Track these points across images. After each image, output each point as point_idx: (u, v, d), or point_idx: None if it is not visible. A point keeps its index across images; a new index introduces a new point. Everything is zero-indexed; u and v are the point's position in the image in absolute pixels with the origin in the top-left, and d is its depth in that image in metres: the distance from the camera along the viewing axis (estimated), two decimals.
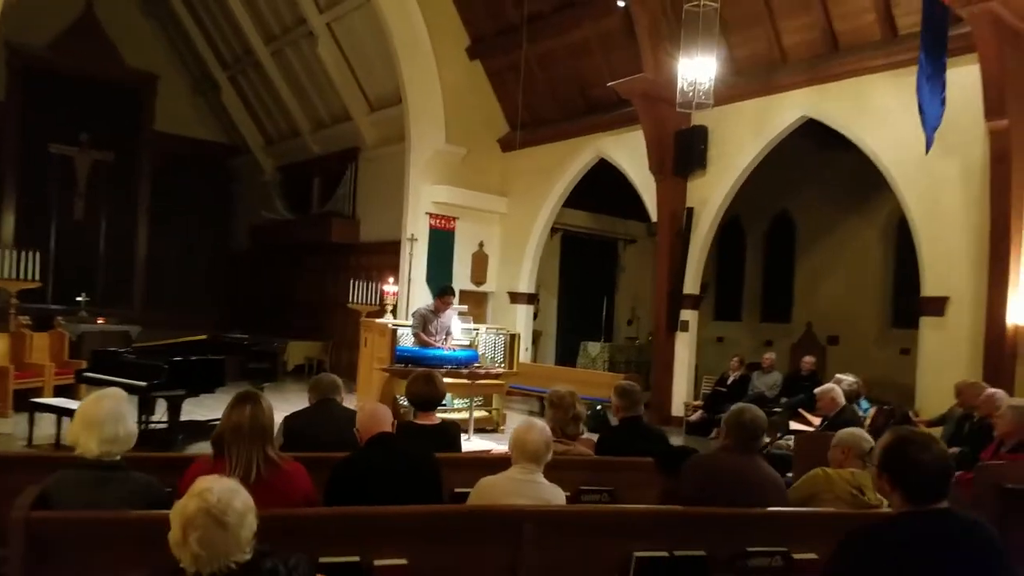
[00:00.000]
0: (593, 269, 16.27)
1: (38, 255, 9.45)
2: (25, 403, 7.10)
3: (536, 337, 15.03)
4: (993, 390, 5.69)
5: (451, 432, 3.78)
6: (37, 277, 9.28)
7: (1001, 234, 7.60)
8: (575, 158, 12.94)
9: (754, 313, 15.45)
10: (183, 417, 7.01)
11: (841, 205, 13.57)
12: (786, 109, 9.87)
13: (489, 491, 2.83)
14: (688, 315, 11.06)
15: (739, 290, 15.70)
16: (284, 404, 5.94)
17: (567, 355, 15.38)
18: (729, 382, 10.28)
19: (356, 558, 2.51)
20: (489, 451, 5.77)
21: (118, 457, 2.47)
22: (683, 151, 10.75)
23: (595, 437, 4.12)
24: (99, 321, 14.83)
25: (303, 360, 15.79)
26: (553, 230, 15.02)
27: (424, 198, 13.24)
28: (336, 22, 14.61)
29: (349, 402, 4.43)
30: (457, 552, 2.68)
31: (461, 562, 2.68)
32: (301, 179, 18.02)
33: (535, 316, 14.86)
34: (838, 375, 6.89)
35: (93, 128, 18.09)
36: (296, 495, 2.59)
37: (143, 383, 6.54)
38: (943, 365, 8.08)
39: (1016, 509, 3.96)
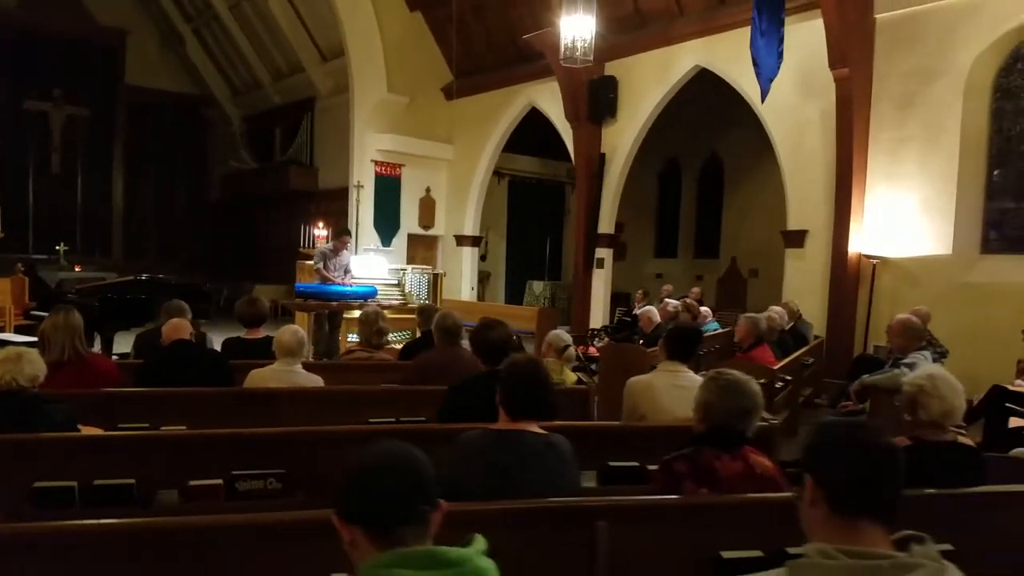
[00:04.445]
0: (540, 212, 17.13)
1: None
2: None
3: (484, 277, 16.02)
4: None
5: (269, 344, 4.75)
6: None
7: (845, 171, 8.47)
8: (509, 106, 13.71)
9: (688, 250, 16.37)
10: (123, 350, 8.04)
11: (761, 145, 14.29)
12: (682, 59, 10.60)
13: (257, 379, 3.85)
14: (604, 252, 12.00)
15: (676, 228, 16.57)
16: None
17: (516, 294, 16.38)
18: (634, 312, 11.24)
19: (147, 425, 3.53)
20: None
21: None
22: (595, 100, 11.50)
23: (398, 348, 5.13)
24: (77, 269, 15.92)
25: (270, 302, 16.82)
26: (500, 175, 15.90)
27: (369, 146, 14.05)
28: None
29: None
30: (228, 422, 3.67)
31: (238, 432, 3.68)
32: (264, 129, 18.84)
33: (483, 258, 15.83)
34: (667, 299, 7.88)
35: (66, 84, 18.77)
36: (101, 377, 3.62)
37: None
38: (802, 291, 9.02)
39: None
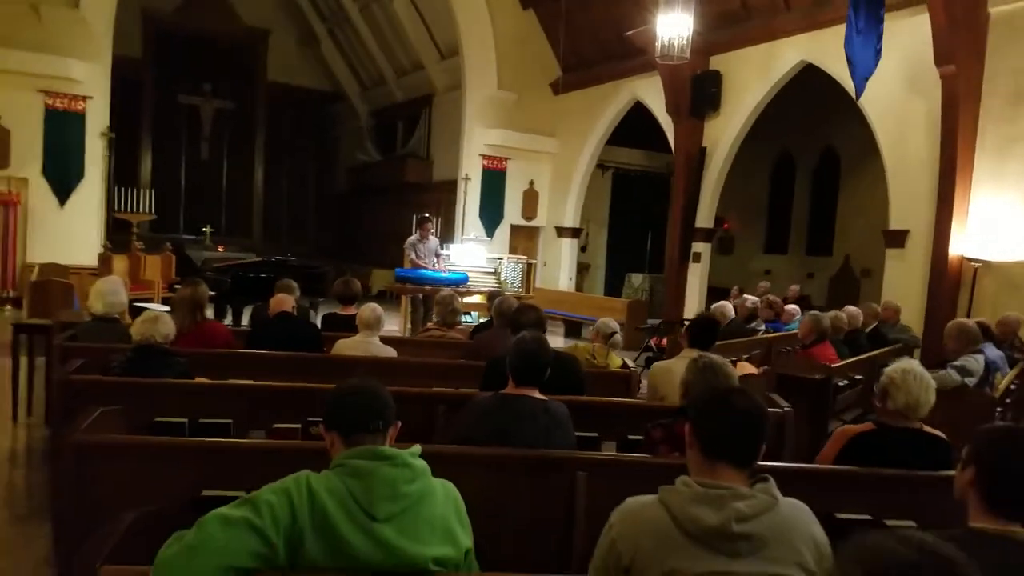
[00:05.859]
0: (643, 205, 17.19)
1: (153, 192, 11.86)
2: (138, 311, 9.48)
3: (583, 269, 16.37)
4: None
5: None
6: (152, 211, 11.69)
7: (948, 172, 8.18)
8: (613, 100, 13.95)
9: (799, 246, 15.97)
10: None
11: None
12: (786, 54, 10.49)
13: (341, 348, 4.49)
14: (701, 247, 12.07)
15: (787, 224, 16.22)
16: None
17: (616, 286, 16.61)
18: None
19: (252, 381, 4.24)
20: None
21: (116, 315, 4.34)
22: (697, 94, 11.57)
23: (470, 328, 5.67)
24: (220, 249, 17.62)
25: (385, 286, 18.01)
26: (604, 168, 16.17)
27: (478, 140, 14.74)
28: None
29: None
30: (314, 381, 4.32)
31: (317, 387, 4.35)
32: (388, 123, 20.02)
33: (583, 249, 16.18)
34: (746, 295, 7.95)
35: (215, 80, 20.81)
36: (217, 341, 4.37)
37: (213, 293, 8.67)
38: (902, 292, 8.81)
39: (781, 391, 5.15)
